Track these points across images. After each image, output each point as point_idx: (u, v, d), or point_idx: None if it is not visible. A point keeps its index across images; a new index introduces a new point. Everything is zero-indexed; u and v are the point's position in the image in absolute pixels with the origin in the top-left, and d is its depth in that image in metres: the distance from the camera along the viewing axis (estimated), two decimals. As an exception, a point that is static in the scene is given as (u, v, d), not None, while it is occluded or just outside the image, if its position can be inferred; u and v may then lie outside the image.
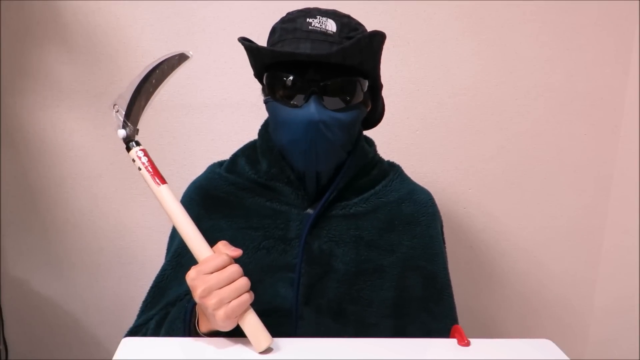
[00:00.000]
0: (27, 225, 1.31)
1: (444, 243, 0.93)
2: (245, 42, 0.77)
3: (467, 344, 0.71)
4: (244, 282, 0.65)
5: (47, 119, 1.25)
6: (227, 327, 0.65)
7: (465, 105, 1.29)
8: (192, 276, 0.65)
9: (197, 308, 0.72)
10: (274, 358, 0.67)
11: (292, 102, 0.75)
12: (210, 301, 0.63)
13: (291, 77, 0.74)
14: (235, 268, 0.66)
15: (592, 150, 1.33)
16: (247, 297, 0.65)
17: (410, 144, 1.30)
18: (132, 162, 0.73)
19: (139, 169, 0.72)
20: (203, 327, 0.70)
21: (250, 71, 1.23)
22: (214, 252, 0.68)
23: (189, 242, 0.68)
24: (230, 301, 0.64)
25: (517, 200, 1.35)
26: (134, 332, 0.80)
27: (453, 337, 0.74)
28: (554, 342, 0.74)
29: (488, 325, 1.43)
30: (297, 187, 0.81)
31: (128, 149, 0.73)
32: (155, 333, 0.76)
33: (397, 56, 1.24)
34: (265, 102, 0.80)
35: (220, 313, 0.63)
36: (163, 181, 0.72)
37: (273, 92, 0.77)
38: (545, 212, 1.36)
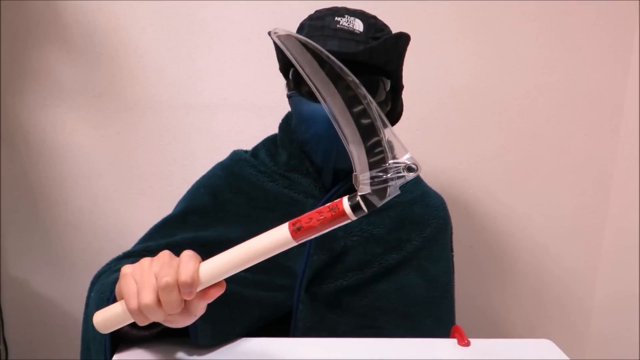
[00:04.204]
0: (27, 225, 1.31)
1: (452, 251, 0.94)
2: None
3: (467, 344, 0.72)
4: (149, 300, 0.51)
5: (47, 119, 1.25)
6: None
7: (465, 105, 1.29)
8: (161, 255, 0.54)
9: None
10: (274, 358, 0.67)
11: (316, 99, 0.76)
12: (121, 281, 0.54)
13: None
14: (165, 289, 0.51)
15: (592, 150, 1.33)
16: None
17: (410, 144, 1.29)
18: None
19: (325, 212, 0.51)
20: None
21: (250, 71, 1.24)
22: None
23: (235, 254, 0.54)
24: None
25: (517, 200, 1.35)
26: (119, 258, 0.78)
27: (453, 337, 0.74)
28: (554, 342, 0.74)
29: (488, 325, 1.43)
30: (315, 179, 0.84)
31: (356, 206, 0.51)
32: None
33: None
34: (289, 96, 0.82)
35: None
36: (295, 236, 0.52)
37: (299, 87, 0.79)
38: (545, 212, 1.36)
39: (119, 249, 1.33)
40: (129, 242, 1.33)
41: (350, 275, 0.81)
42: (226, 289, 0.66)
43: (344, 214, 0.51)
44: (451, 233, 0.95)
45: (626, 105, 1.31)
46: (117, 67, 1.23)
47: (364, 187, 0.50)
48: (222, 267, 0.53)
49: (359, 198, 0.50)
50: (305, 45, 0.49)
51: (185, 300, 0.52)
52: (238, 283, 0.76)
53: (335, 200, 0.52)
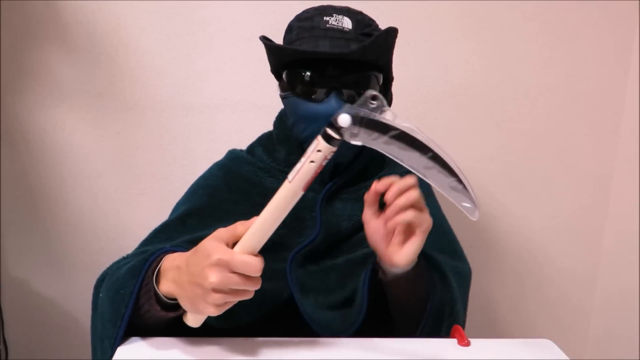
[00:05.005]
0: (27, 225, 1.31)
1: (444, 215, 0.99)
2: (267, 42, 0.80)
3: (467, 344, 0.72)
4: (250, 295, 0.62)
5: (47, 119, 1.25)
6: (198, 314, 0.65)
7: (465, 105, 1.29)
8: (221, 257, 0.59)
9: (166, 263, 0.68)
10: (272, 358, 0.67)
11: (312, 97, 0.78)
12: (219, 300, 0.60)
13: (311, 74, 0.78)
14: (257, 282, 0.62)
15: (592, 150, 1.33)
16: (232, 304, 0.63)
17: (410, 144, 1.30)
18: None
19: (312, 162, 0.59)
20: (164, 287, 0.67)
21: (250, 71, 1.24)
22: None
23: (259, 228, 0.62)
24: (225, 303, 0.61)
25: (517, 200, 1.35)
26: (115, 264, 0.79)
27: (453, 337, 0.74)
28: (554, 342, 0.74)
29: (488, 325, 1.43)
30: None
31: (329, 137, 0.58)
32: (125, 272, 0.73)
33: (397, 56, 1.23)
34: (284, 97, 0.83)
35: (212, 310, 0.61)
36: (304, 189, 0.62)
37: (293, 88, 0.80)
38: (545, 212, 1.36)
39: (118, 249, 1.33)
40: (129, 242, 1.33)
41: (345, 252, 0.83)
42: None
43: (326, 149, 0.58)
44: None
45: (626, 105, 1.31)
46: (117, 67, 1.23)
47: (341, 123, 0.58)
48: (257, 238, 0.62)
49: (329, 131, 0.58)
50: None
51: None
52: None
53: (314, 143, 0.59)
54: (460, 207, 0.60)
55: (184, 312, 0.67)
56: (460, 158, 1.30)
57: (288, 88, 0.81)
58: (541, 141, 1.32)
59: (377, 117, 0.58)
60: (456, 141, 1.31)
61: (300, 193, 0.61)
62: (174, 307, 0.67)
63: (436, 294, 0.76)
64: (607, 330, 1.43)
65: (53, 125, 1.26)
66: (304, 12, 0.82)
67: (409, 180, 0.66)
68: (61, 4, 1.20)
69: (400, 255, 0.68)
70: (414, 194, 0.66)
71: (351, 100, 0.78)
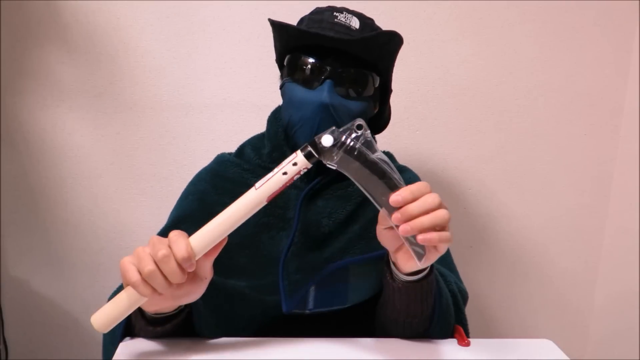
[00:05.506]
0: (27, 225, 1.31)
1: None
2: (275, 21, 0.82)
3: (467, 344, 0.72)
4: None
5: (47, 119, 1.25)
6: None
7: (465, 105, 1.29)
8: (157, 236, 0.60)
9: None
10: (272, 358, 0.67)
11: (307, 84, 0.80)
12: (134, 260, 0.59)
13: (311, 61, 0.79)
14: (169, 263, 0.58)
15: (592, 150, 1.33)
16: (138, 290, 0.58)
17: (410, 144, 1.30)
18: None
19: (284, 173, 0.60)
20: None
21: (250, 71, 1.24)
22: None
23: (214, 228, 0.61)
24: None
25: (517, 201, 1.35)
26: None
27: (453, 337, 0.74)
28: (554, 342, 0.74)
29: (488, 325, 1.43)
30: None
31: (308, 154, 0.61)
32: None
33: (397, 56, 1.24)
34: (282, 84, 0.85)
35: (132, 275, 0.58)
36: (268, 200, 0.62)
37: (292, 74, 0.82)
38: (545, 212, 1.36)
39: (118, 249, 1.33)
40: (129, 242, 1.33)
41: (334, 255, 0.82)
42: (229, 287, 0.74)
43: (302, 164, 0.61)
44: None
45: (626, 106, 1.31)
46: (117, 67, 1.23)
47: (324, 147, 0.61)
48: (210, 236, 0.60)
49: (310, 148, 0.60)
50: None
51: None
52: (243, 288, 0.77)
53: (292, 156, 0.61)
54: (408, 248, 0.59)
55: (170, 325, 0.68)
56: (460, 158, 1.31)
57: (287, 74, 0.83)
58: (541, 141, 1.32)
59: (358, 145, 0.60)
60: (456, 141, 1.31)
61: (264, 203, 0.60)
62: (161, 321, 0.68)
63: (442, 297, 0.75)
64: (607, 330, 1.43)
65: (53, 125, 1.26)
66: (317, 7, 0.85)
67: (434, 197, 0.58)
68: (61, 4, 1.20)
69: (411, 266, 0.65)
70: (444, 215, 0.58)
71: (345, 95, 0.79)
